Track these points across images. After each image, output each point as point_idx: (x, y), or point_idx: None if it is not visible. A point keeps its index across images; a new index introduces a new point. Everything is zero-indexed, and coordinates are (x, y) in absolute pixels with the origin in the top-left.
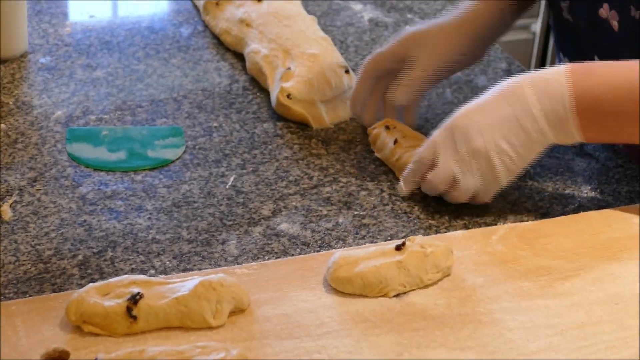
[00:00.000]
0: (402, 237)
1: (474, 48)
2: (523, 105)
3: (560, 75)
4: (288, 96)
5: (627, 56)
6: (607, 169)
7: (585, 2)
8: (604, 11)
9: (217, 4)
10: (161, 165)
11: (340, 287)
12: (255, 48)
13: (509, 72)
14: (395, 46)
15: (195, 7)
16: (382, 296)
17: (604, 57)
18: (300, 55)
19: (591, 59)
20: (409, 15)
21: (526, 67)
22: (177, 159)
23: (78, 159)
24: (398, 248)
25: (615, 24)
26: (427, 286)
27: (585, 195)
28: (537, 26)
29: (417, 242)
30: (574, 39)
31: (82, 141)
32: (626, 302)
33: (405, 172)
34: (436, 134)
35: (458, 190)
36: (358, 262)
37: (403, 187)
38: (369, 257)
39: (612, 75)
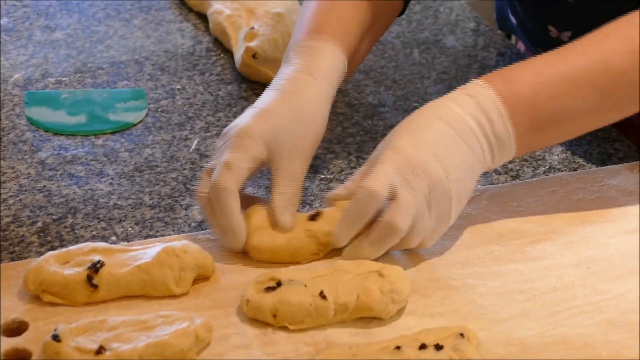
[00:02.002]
0: None
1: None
2: (460, 122)
3: (480, 87)
4: (253, 56)
5: (585, 22)
6: None
7: None
8: None
9: None
10: (123, 128)
11: (252, 254)
12: (219, 8)
13: (477, 32)
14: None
15: None
16: (296, 263)
17: (561, 24)
18: (265, 15)
19: (546, 21)
20: None
21: (493, 27)
22: (139, 122)
23: (37, 122)
24: (312, 218)
25: None
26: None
27: (556, 157)
28: None
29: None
30: (530, 5)
31: (41, 105)
32: (598, 266)
33: (347, 214)
34: (386, 168)
35: (412, 235)
36: (269, 228)
37: (342, 235)
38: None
39: (537, 74)
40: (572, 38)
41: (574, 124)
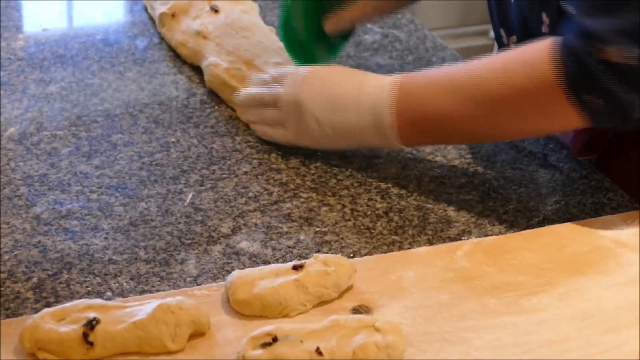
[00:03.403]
0: (365, 254)
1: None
2: (362, 89)
3: (395, 77)
4: None
5: (521, 31)
6: (572, 180)
7: None
8: None
9: (172, 15)
10: None
11: (241, 309)
12: (214, 61)
13: None
14: None
15: (151, 18)
16: (284, 316)
17: (508, 29)
18: (264, 65)
19: (498, 30)
20: (368, 25)
21: None
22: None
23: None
24: (295, 268)
25: None
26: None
27: (550, 207)
28: None
29: (320, 259)
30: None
31: None
32: (593, 318)
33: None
34: (295, 73)
35: (272, 116)
36: (255, 282)
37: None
38: (267, 275)
39: (429, 76)
40: (517, 43)
41: (451, 126)
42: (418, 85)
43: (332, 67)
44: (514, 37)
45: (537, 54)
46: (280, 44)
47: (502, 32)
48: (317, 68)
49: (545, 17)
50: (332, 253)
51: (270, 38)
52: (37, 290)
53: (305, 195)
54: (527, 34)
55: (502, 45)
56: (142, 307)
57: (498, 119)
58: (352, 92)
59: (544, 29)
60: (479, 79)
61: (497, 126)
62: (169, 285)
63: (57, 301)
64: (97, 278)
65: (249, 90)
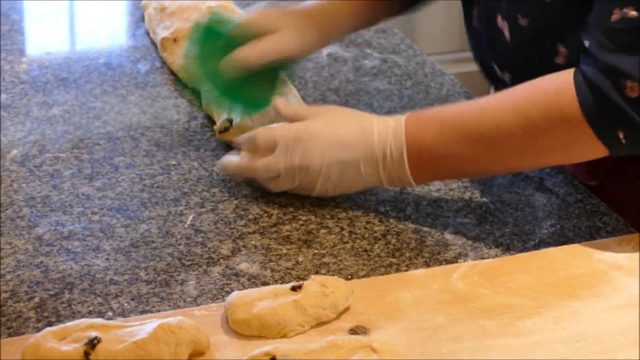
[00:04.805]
0: (363, 276)
1: (322, 40)
2: (367, 145)
3: (400, 123)
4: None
5: (519, 65)
6: (567, 204)
7: (486, 12)
8: (500, 21)
9: (174, 40)
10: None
11: (240, 329)
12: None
13: None
14: (261, 16)
15: (153, 43)
16: (282, 337)
17: (501, 64)
18: None
19: (491, 65)
20: (367, 50)
21: None
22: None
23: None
24: (294, 289)
25: (507, 34)
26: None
27: (546, 231)
28: None
29: (318, 280)
30: (479, 45)
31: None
32: (588, 341)
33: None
34: (282, 132)
35: (274, 184)
36: (254, 302)
37: (228, 161)
38: (266, 296)
39: (438, 121)
40: (512, 79)
41: (464, 166)
42: (427, 128)
43: (326, 116)
44: (507, 75)
45: (556, 90)
46: None
47: (494, 66)
48: (314, 124)
49: (562, 48)
50: (330, 275)
51: None
52: (38, 309)
53: (304, 218)
54: (529, 68)
55: (492, 78)
56: (143, 327)
57: (515, 157)
58: (359, 139)
59: (560, 59)
60: (491, 120)
61: (512, 164)
62: (169, 306)
63: (59, 321)
64: (98, 298)
65: (237, 164)
